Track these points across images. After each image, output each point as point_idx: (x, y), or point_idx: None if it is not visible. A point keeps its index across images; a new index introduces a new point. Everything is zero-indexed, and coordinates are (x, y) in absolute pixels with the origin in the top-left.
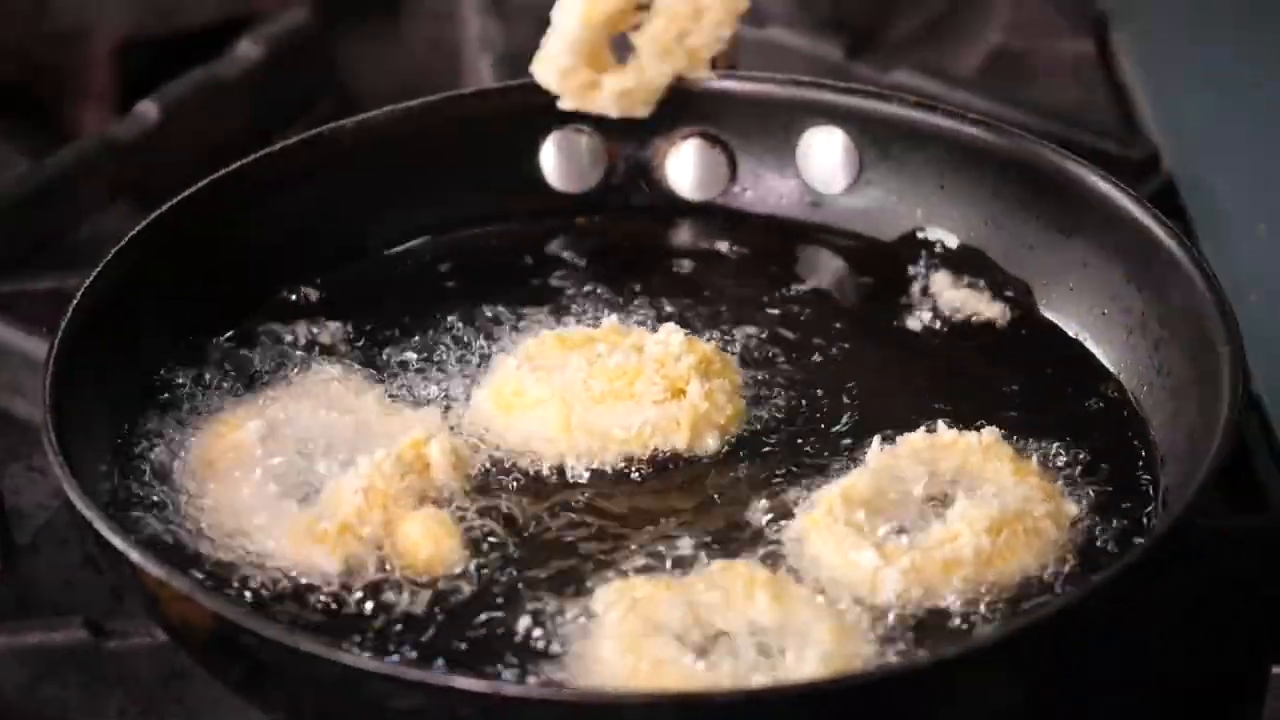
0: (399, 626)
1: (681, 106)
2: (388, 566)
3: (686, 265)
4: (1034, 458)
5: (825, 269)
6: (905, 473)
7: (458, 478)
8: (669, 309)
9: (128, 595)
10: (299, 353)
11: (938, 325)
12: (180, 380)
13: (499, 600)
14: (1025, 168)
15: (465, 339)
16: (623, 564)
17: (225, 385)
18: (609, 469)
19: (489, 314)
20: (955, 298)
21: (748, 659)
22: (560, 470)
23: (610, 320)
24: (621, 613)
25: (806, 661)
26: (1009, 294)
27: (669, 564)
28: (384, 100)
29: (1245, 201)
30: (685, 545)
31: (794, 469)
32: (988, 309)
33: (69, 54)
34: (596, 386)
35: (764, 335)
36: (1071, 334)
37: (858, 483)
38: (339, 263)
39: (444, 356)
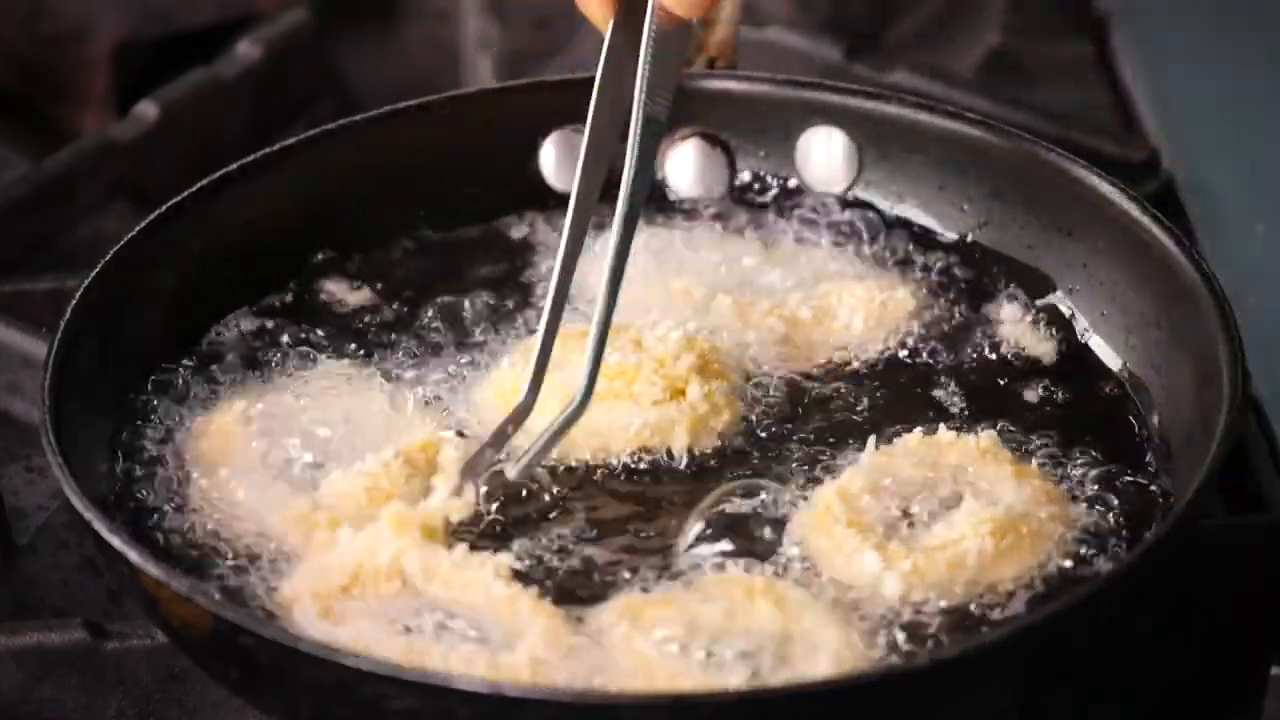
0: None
1: (681, 106)
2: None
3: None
4: (1034, 458)
5: None
6: (904, 474)
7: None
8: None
9: (126, 596)
10: (297, 352)
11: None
12: (179, 380)
13: None
14: (1025, 168)
15: (464, 338)
16: (621, 566)
17: (225, 385)
18: (607, 469)
19: (488, 313)
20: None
21: (748, 662)
22: (559, 470)
23: None
24: (620, 615)
25: (807, 665)
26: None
27: (667, 566)
28: (384, 100)
29: (1245, 201)
30: (684, 547)
31: (793, 471)
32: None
33: (68, 55)
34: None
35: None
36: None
37: (855, 484)
38: (338, 262)
39: (443, 355)
